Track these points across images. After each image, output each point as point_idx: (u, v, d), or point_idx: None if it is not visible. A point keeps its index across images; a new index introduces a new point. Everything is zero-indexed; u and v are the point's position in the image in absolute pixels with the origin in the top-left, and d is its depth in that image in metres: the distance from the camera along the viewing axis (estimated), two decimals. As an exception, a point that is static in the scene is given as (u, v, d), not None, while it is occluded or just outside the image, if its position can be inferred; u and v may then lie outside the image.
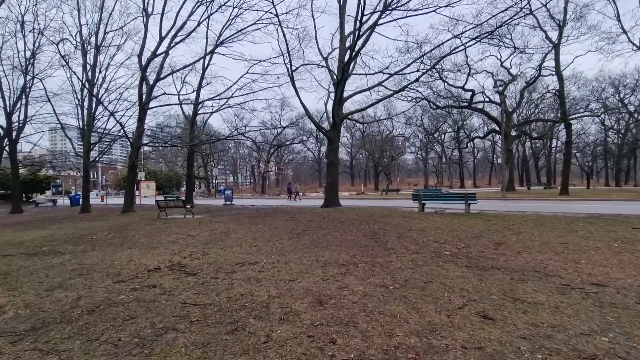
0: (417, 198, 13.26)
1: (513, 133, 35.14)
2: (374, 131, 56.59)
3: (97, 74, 20.66)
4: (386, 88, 16.67)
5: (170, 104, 22.79)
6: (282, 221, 11.15)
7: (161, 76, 18.44)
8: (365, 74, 15.71)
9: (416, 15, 13.83)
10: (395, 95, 17.97)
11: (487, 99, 34.30)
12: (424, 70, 15.81)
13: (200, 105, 23.81)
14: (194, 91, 22.18)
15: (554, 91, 32.69)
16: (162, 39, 17.55)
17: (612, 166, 49.87)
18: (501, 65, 32.10)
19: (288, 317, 3.36)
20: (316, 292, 4.11)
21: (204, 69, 21.96)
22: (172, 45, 17.68)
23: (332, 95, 16.17)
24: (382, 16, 13.90)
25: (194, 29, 18.39)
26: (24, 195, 36.02)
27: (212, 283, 4.57)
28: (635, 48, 22.49)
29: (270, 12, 15.81)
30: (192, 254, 6.41)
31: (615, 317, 3.19)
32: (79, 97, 21.51)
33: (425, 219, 10.49)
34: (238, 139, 35.98)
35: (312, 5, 17.96)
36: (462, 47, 16.94)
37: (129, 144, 19.79)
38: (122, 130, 19.42)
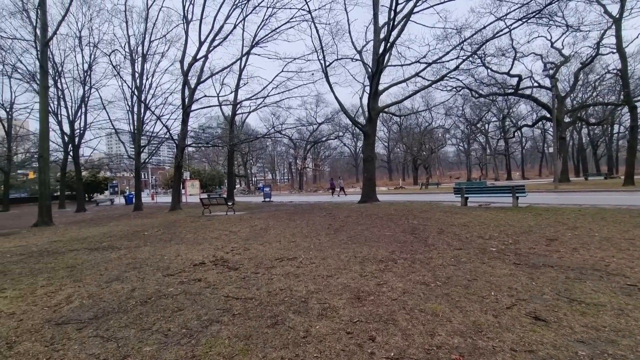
0: (459, 192, 12.69)
1: (566, 119, 32.34)
2: (412, 124, 54.99)
3: (144, 81, 22.12)
4: (424, 78, 16.09)
5: (210, 106, 23.82)
6: (319, 217, 11.23)
7: (201, 79, 19.29)
8: (402, 65, 15.24)
9: (454, -1, 13.17)
10: (433, 86, 17.27)
11: (535, 84, 31.85)
12: (464, 57, 15.02)
13: (238, 106, 24.60)
14: (232, 92, 22.95)
15: (615, 71, 29.49)
16: (201, 43, 18.32)
17: (688, 152, 44.17)
18: (551, 46, 29.61)
19: (326, 313, 3.37)
20: (354, 288, 4.08)
21: (241, 70, 22.62)
22: (210, 49, 18.40)
23: (367, 88, 15.93)
24: (418, 3, 13.40)
25: (230, 32, 19.02)
26: (86, 195, 39.67)
27: (253, 278, 4.72)
28: None
29: (303, 9, 15.95)
30: (234, 250, 6.66)
31: (695, 323, 2.83)
32: (130, 103, 23.20)
33: (469, 214, 10.02)
34: (275, 137, 36.80)
35: (344, -2, 17.73)
36: (507, 30, 15.87)
37: (174, 145, 20.97)
38: (168, 133, 20.66)
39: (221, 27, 18.79)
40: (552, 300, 3.44)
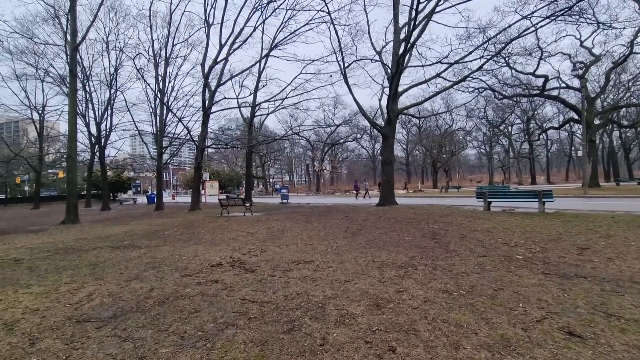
0: (482, 196, 12.28)
1: (596, 121, 30.83)
2: (432, 126, 54.00)
3: (167, 84, 22.70)
4: (445, 79, 15.71)
5: (229, 108, 24.22)
6: (336, 220, 11.12)
7: (221, 82, 19.60)
8: (422, 65, 14.91)
9: (478, -2, 12.79)
10: (455, 87, 16.83)
11: (563, 85, 30.57)
12: (487, 57, 14.56)
13: (257, 108, 24.86)
14: (251, 94, 23.23)
15: (650, 71, 27.99)
16: (221, 46, 18.62)
17: None
18: (581, 45, 28.35)
19: (344, 320, 3.26)
20: (373, 294, 3.95)
21: (260, 73, 22.84)
22: (231, 51, 18.68)
23: (387, 90, 15.70)
24: (440, 3, 13.10)
25: (250, 35, 19.26)
26: (111, 194, 41.09)
27: (269, 280, 4.66)
28: None
29: (323, 11, 15.87)
30: (251, 251, 6.65)
31: None
32: (152, 105, 23.85)
33: (492, 219, 9.65)
34: (293, 139, 37.00)
35: (364, -1, 17.64)
36: (533, 29, 15.30)
37: (194, 146, 21.38)
38: (188, 134, 21.10)
39: (241, 30, 19.05)
40: (587, 314, 3.21)
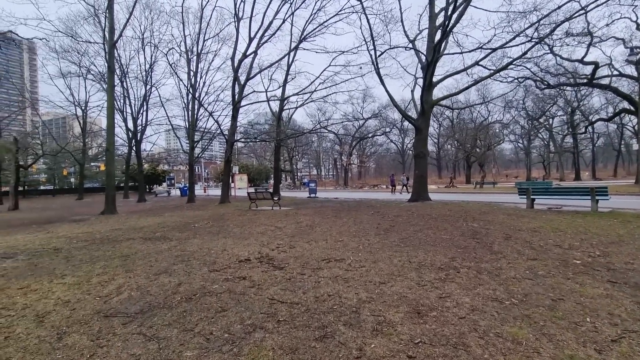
0: (525, 192, 11.39)
1: (654, 112, 28.01)
2: (466, 118, 51.65)
3: (198, 79, 23.10)
4: (485, 67, 14.70)
5: (258, 102, 24.25)
6: (367, 215, 10.74)
7: (251, 75, 19.61)
8: (460, 52, 13.87)
9: (523, -22, 11.74)
10: (492, 77, 15.71)
11: (615, 73, 27.96)
12: (532, 43, 13.42)
13: (285, 101, 24.76)
14: (279, 87, 23.14)
15: None
16: (251, 40, 18.58)
17: None
18: (637, 28, 25.72)
19: (382, 329, 2.94)
20: (412, 299, 3.60)
21: (289, 66, 22.66)
22: (260, 44, 18.61)
23: (420, 81, 14.97)
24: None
25: (279, 27, 19.08)
26: (146, 186, 42.97)
27: (299, 279, 4.42)
28: None
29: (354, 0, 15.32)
30: (279, 247, 6.46)
31: None
32: (185, 101, 24.40)
33: (538, 218, 8.88)
34: (320, 132, 36.68)
35: (397, -15, 16.81)
36: (582, 12, 13.92)
37: (225, 140, 21.65)
38: (219, 129, 21.38)
39: (270, 23, 18.90)
40: (678, 335, 2.68)
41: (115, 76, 21.93)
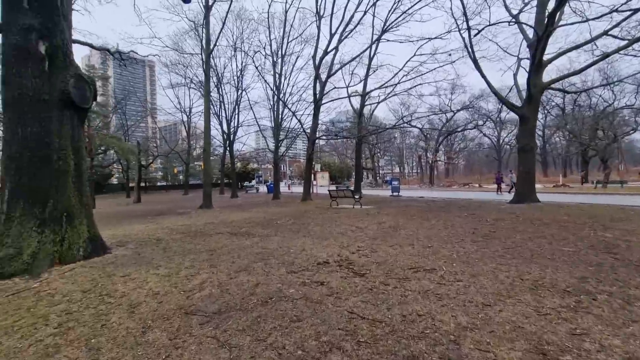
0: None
1: None
2: (582, 105, 43.35)
3: (282, 81, 24.06)
4: (616, 38, 11.70)
5: (339, 98, 24.11)
6: (459, 218, 9.53)
7: (332, 72, 19.54)
8: (584, 21, 10.96)
9: None
10: (622, 51, 12.39)
11: None
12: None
13: (367, 97, 24.13)
14: (361, 81, 22.57)
15: None
16: (332, 36, 18.47)
17: None
18: None
19: (495, 374, 2.24)
20: (532, 333, 2.76)
21: (370, 59, 21.96)
22: (341, 39, 18.35)
23: (525, 62, 12.76)
24: None
25: (360, 20, 18.60)
26: (238, 183, 47.00)
27: (382, 290, 3.88)
28: None
29: (442, -21, 13.87)
30: (360, 250, 5.98)
31: None
32: (271, 103, 25.71)
33: None
34: (404, 128, 34.94)
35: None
36: None
37: (307, 138, 22.10)
38: (301, 127, 21.90)
39: (351, 17, 18.52)
40: None
41: (212, 83, 24.23)
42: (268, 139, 29.54)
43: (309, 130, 20.65)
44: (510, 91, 15.60)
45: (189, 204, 22.51)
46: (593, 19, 11.03)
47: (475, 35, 11.98)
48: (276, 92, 23.62)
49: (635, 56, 13.62)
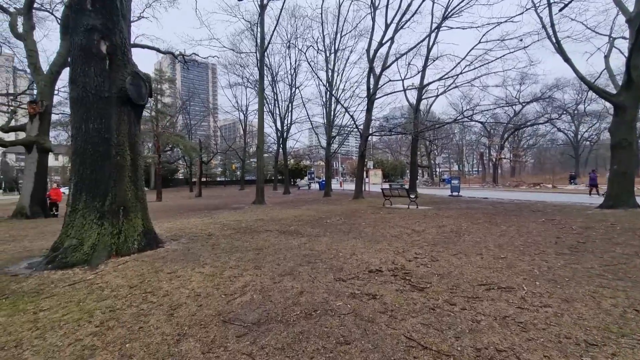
0: None
1: None
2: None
3: (335, 77, 23.64)
4: None
5: (394, 92, 23.14)
6: (535, 224, 8.25)
7: (387, 65, 18.60)
8: None
9: None
10: None
11: None
12: None
13: (424, 90, 22.70)
14: (418, 72, 21.24)
15: None
16: (387, 26, 17.56)
17: None
18: None
19: None
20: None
21: (429, 49, 20.52)
22: (397, 29, 17.35)
23: (619, 42, 10.70)
24: None
25: (418, 8, 17.32)
26: (291, 180, 47.82)
27: (447, 312, 3.24)
28: None
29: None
30: (418, 257, 5.31)
31: None
32: (324, 99, 25.48)
33: None
34: (464, 123, 32.44)
35: None
36: None
37: (359, 135, 21.44)
38: (354, 123, 21.29)
39: (409, 5, 17.39)
40: None
41: (266, 81, 24.68)
42: (320, 136, 29.42)
43: (361, 127, 19.97)
44: (599, 76, 13.25)
45: (243, 199, 23.23)
46: None
47: (561, 9, 10.18)
48: (328, 88, 23.28)
49: None
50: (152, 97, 6.52)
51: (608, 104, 39.76)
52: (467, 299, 3.56)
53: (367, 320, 3.09)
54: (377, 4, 18.61)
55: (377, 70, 18.59)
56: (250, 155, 50.47)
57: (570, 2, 10.21)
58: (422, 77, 21.48)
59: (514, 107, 38.57)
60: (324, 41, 23.26)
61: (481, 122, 33.43)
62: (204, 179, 49.17)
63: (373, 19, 18.47)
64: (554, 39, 10.70)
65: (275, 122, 33.15)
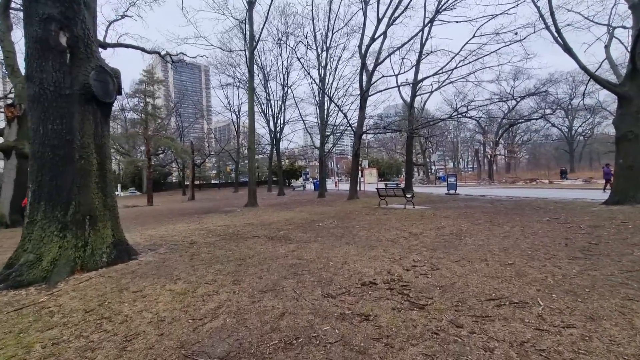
0: None
1: None
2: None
3: (327, 74, 23.10)
4: None
5: (388, 88, 22.56)
6: (540, 223, 7.77)
7: (379, 60, 18.09)
8: None
9: None
10: None
11: None
12: None
13: (418, 86, 22.25)
14: (412, 67, 20.77)
15: None
16: (379, 21, 17.04)
17: None
18: None
19: None
20: None
21: (422, 44, 20.08)
22: (390, 23, 16.82)
23: (619, 32, 10.26)
24: None
25: (410, 2, 16.84)
26: (285, 180, 47.21)
27: (453, 337, 2.71)
28: None
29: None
30: (416, 265, 4.78)
31: None
32: (317, 99, 24.93)
33: None
34: (459, 119, 32.07)
35: None
36: None
37: (353, 134, 20.92)
38: (347, 123, 20.76)
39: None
40: None
41: (258, 80, 24.08)
42: (314, 136, 28.88)
43: (355, 126, 19.45)
44: (599, 68, 12.86)
45: (236, 202, 22.61)
46: None
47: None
48: (321, 87, 22.74)
49: None
50: (121, 94, 5.90)
51: (601, 98, 39.38)
52: (475, 318, 3.03)
53: (357, 351, 2.55)
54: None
55: (370, 67, 18.09)
56: (243, 156, 49.79)
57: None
58: (416, 73, 21.04)
59: (508, 102, 38.26)
60: (315, 38, 22.72)
61: (475, 119, 33.10)
62: (197, 182, 48.38)
63: (364, 14, 17.96)
64: (553, 28, 10.23)
65: (268, 122, 32.57)
